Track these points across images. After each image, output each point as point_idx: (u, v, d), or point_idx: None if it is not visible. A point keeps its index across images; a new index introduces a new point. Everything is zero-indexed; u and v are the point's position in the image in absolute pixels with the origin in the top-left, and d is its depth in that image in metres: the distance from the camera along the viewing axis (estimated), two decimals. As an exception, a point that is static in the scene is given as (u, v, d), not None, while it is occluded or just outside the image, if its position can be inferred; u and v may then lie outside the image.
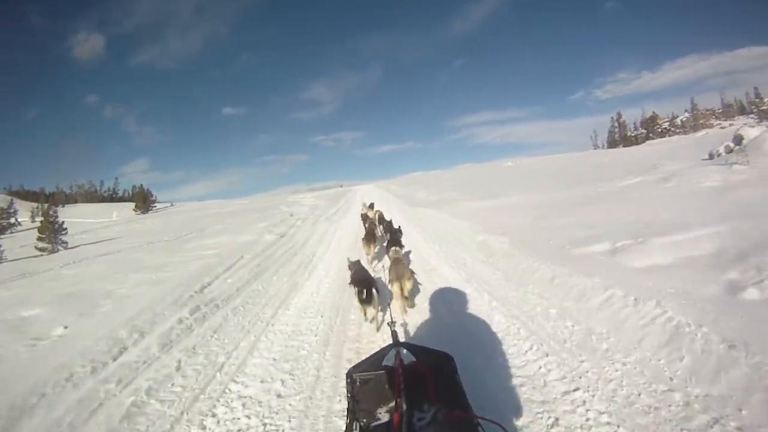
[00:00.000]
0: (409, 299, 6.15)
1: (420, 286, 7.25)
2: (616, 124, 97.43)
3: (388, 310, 4.88)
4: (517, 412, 3.69)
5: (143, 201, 74.92)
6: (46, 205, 78.97)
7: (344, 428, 2.44)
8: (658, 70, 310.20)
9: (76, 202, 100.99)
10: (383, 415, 2.40)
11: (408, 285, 5.89)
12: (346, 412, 2.60)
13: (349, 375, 2.68)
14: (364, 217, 14.77)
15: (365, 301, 5.58)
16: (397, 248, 7.61)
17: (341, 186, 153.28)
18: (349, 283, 6.37)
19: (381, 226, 12.56)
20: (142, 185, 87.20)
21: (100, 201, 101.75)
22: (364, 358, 2.95)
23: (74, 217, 71.72)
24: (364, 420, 2.38)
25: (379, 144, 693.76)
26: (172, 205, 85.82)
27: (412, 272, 6.26)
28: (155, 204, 79.80)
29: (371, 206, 17.25)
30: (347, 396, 2.62)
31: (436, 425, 2.07)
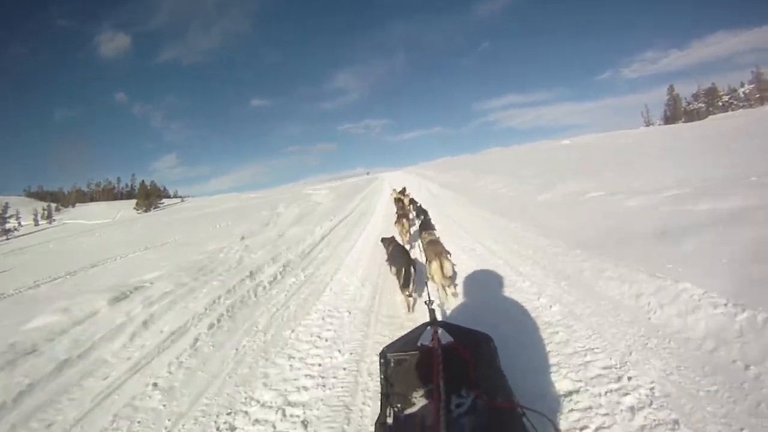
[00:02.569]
0: (451, 279, 5.50)
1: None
2: (669, 99, 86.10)
3: (426, 288, 4.42)
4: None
5: (145, 198, 69.45)
6: (53, 206, 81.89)
7: (378, 415, 2.16)
8: (686, 48, 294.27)
9: (92, 200, 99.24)
10: (418, 400, 2.24)
11: (447, 264, 5.32)
12: (380, 397, 2.30)
13: (382, 355, 2.47)
14: (396, 201, 14.35)
15: (404, 285, 5.23)
16: (432, 230, 7.17)
17: (367, 173, 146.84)
18: (386, 260, 6.13)
19: (412, 208, 12.28)
20: (143, 181, 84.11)
21: (118, 198, 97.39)
22: (398, 336, 2.74)
23: (80, 217, 70.92)
24: (398, 405, 2.22)
25: (406, 130, 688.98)
26: (182, 201, 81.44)
27: (449, 252, 5.63)
28: (162, 202, 74.63)
29: (402, 191, 16.36)
30: (380, 378, 2.39)
31: (476, 414, 1.97)
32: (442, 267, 5.32)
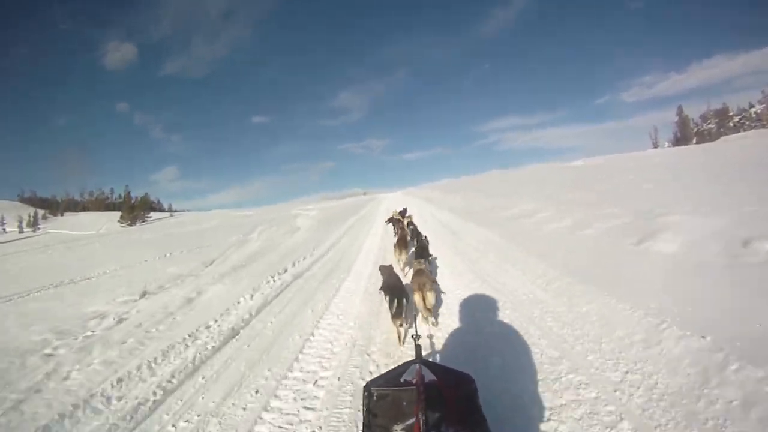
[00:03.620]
0: (432, 311, 5.60)
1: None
2: (678, 120, 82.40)
3: (414, 321, 4.76)
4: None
5: (129, 211, 65.17)
6: (41, 213, 79.47)
7: None
8: (684, 71, 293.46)
9: (84, 209, 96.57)
10: None
11: (429, 296, 5.42)
12: (362, 428, 2.41)
13: (366, 388, 2.49)
14: (394, 222, 13.67)
15: (397, 314, 5.11)
16: (421, 260, 6.88)
17: (364, 194, 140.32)
18: (380, 289, 5.91)
19: (410, 230, 11.57)
20: (129, 193, 79.02)
21: (111, 209, 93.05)
22: (383, 372, 2.93)
23: (66, 227, 67.14)
24: None
25: (406, 151, 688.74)
26: (171, 215, 76.73)
27: (434, 281, 5.92)
28: (149, 216, 70.31)
29: (402, 212, 15.18)
30: (363, 410, 2.44)
31: None
32: (424, 299, 5.38)
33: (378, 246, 13.10)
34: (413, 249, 9.31)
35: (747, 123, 73.80)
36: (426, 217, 18.67)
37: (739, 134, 65.64)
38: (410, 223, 12.52)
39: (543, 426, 3.39)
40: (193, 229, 32.13)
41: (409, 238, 10.87)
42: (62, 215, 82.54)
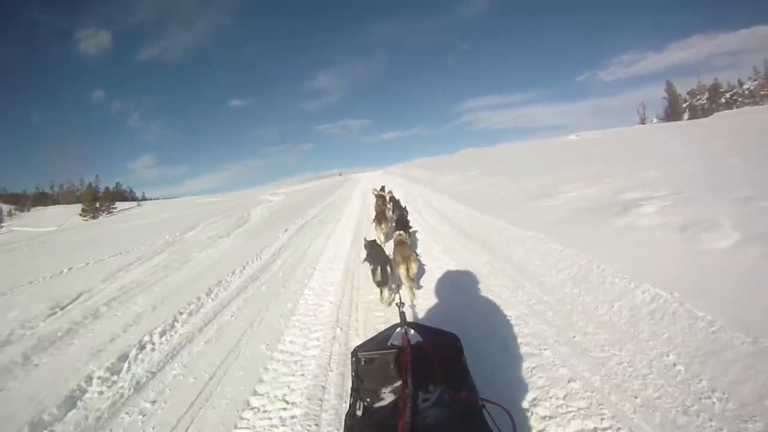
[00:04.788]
0: (415, 281, 5.74)
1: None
2: (665, 95, 79.19)
3: (398, 291, 4.96)
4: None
5: (91, 203, 58.86)
6: (6, 209, 73.09)
7: (347, 408, 2.26)
8: (663, 50, 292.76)
9: (56, 202, 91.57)
10: (387, 395, 2.24)
11: (413, 267, 5.55)
12: (350, 392, 2.37)
13: (354, 353, 2.51)
14: (377, 197, 13.85)
15: (381, 282, 5.42)
16: (402, 231, 7.18)
17: (340, 174, 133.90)
18: (364, 261, 6.18)
19: (391, 205, 11.65)
20: (90, 183, 72.70)
21: (82, 201, 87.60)
22: (370, 337, 2.81)
23: (32, 222, 57.93)
24: (368, 400, 2.25)
25: (385, 131, 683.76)
26: (139, 205, 69.95)
27: (416, 254, 5.92)
28: (115, 206, 63.32)
29: (382, 189, 15.50)
30: (351, 375, 2.44)
31: (441, 406, 1.97)
32: (408, 270, 5.51)
33: (350, 248, 8.83)
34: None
35: (740, 99, 71.49)
36: (422, 210, 13.14)
37: (732, 110, 62.98)
38: (392, 198, 12.56)
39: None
40: (136, 224, 26.53)
41: (390, 212, 10.86)
42: (29, 210, 75.64)
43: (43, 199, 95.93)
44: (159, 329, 5.34)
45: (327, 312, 5.49)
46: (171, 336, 5.27)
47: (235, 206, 27.91)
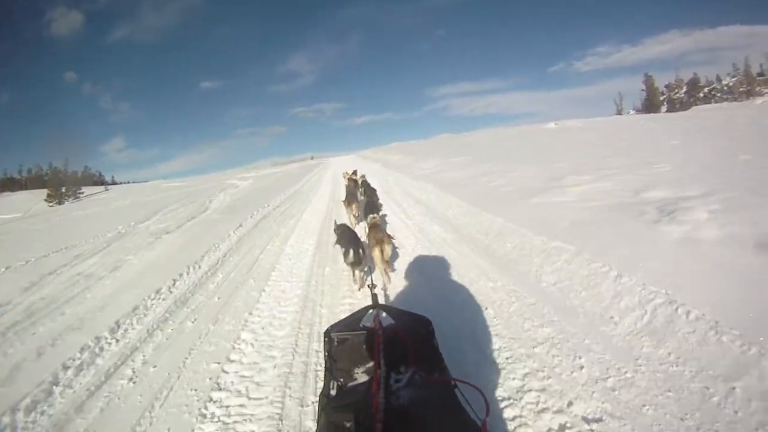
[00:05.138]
0: (389, 263, 5.64)
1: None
2: (643, 87, 78.57)
3: (370, 273, 4.51)
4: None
5: (57, 188, 55.01)
6: None
7: (322, 388, 2.27)
8: (639, 44, 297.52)
9: (24, 188, 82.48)
10: (360, 375, 2.26)
11: (387, 249, 5.46)
12: (323, 371, 2.41)
13: (326, 334, 2.51)
14: (349, 181, 13.36)
15: (354, 263, 5.29)
16: (375, 214, 6.91)
17: (311, 158, 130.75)
18: (335, 244, 6.07)
19: (362, 189, 11.28)
20: (56, 168, 67.22)
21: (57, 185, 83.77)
22: (342, 318, 2.82)
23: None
24: (342, 379, 2.26)
25: (358, 115, 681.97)
26: (106, 190, 66.01)
27: (390, 236, 5.77)
28: (81, 191, 59.67)
29: (354, 173, 14.73)
30: (324, 355, 2.47)
31: (413, 387, 1.98)
32: (382, 252, 5.41)
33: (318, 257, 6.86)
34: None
35: (718, 95, 71.23)
36: (403, 201, 11.42)
37: (711, 105, 62.71)
38: (364, 182, 12.41)
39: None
40: (97, 211, 24.91)
41: (361, 196, 10.53)
42: None
43: (11, 184, 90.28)
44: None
45: (269, 387, 3.48)
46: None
47: (200, 192, 25.96)
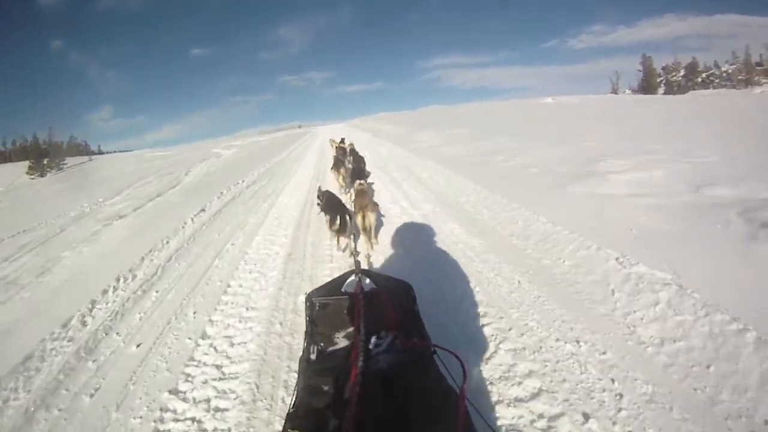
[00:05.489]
0: (372, 232, 5.35)
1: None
2: (643, 69, 76.99)
3: (354, 239, 4.75)
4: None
5: (38, 160, 51.95)
6: None
7: (302, 352, 2.24)
8: (634, 25, 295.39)
9: (9, 160, 78.61)
10: (341, 340, 2.19)
11: (370, 216, 5.23)
12: (304, 336, 2.33)
13: (308, 299, 2.48)
14: (337, 150, 12.85)
15: (339, 230, 5.21)
16: (362, 180, 6.76)
17: (299, 127, 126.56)
18: (320, 212, 5.94)
19: (350, 158, 11.17)
20: (37, 138, 65.18)
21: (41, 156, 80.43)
22: (324, 283, 2.72)
23: None
24: (322, 344, 2.20)
25: (347, 83, 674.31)
26: (90, 160, 62.42)
27: (376, 204, 5.60)
28: (65, 162, 56.94)
29: (342, 141, 14.38)
30: (306, 319, 2.42)
31: (392, 352, 1.96)
32: (364, 219, 5.22)
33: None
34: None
35: (717, 81, 69.83)
36: (403, 182, 9.32)
37: (709, 90, 61.38)
38: (352, 149, 12.12)
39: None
40: (71, 184, 23.31)
41: (349, 164, 10.33)
42: None
43: None
44: None
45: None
46: None
47: (182, 162, 24.25)
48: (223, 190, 10.57)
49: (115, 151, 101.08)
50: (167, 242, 6.52)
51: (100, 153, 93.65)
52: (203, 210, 8.55)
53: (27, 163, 54.45)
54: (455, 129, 17.67)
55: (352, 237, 5.14)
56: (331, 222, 5.24)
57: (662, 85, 73.19)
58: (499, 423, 2.40)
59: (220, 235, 6.78)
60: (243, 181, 12.06)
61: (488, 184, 7.34)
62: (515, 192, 6.56)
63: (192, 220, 7.79)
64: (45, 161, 53.53)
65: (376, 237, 5.54)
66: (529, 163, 8.78)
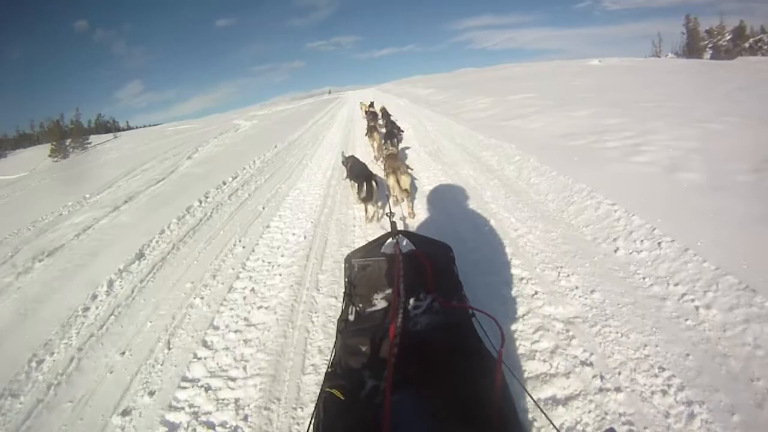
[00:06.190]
0: (408, 193, 5.11)
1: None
2: (686, 31, 70.58)
3: (387, 202, 4.35)
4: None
5: (60, 141, 48.45)
6: None
7: (340, 313, 2.20)
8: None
9: (39, 142, 73.98)
10: (379, 302, 2.15)
11: (404, 179, 4.99)
12: (343, 296, 2.28)
13: (347, 260, 2.45)
14: (368, 113, 12.93)
15: (366, 198, 4.95)
16: (392, 142, 6.83)
17: (329, 92, 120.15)
18: (345, 177, 5.77)
19: (383, 121, 11.02)
20: (58, 120, 60.17)
21: (68, 137, 78.77)
22: (362, 245, 2.67)
23: (6, 170, 47.65)
24: (360, 305, 2.17)
25: (377, 47, 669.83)
26: (115, 137, 58.71)
27: (408, 166, 5.33)
28: (89, 141, 53.70)
29: (371, 105, 14.74)
30: (345, 280, 2.39)
31: (431, 313, 1.92)
32: (398, 181, 5.03)
33: None
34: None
35: (765, 47, 63.40)
36: (487, 188, 5.81)
37: (758, 57, 55.31)
38: (384, 112, 11.93)
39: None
40: (84, 168, 20.48)
41: (383, 129, 9.62)
42: (5, 156, 65.10)
43: (24, 140, 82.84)
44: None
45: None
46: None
47: (197, 137, 21.77)
48: (209, 189, 7.95)
49: (144, 126, 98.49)
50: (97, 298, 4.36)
51: (129, 128, 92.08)
52: (179, 221, 6.39)
53: (45, 145, 52.25)
54: (516, 94, 13.71)
55: (381, 202, 4.98)
56: (359, 189, 4.93)
57: (707, 49, 67.00)
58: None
59: (177, 293, 4.38)
60: (245, 169, 9.48)
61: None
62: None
63: (151, 244, 5.61)
64: (68, 142, 50.85)
65: (411, 199, 5.23)
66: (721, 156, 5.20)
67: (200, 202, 7.11)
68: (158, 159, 15.30)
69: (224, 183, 8.36)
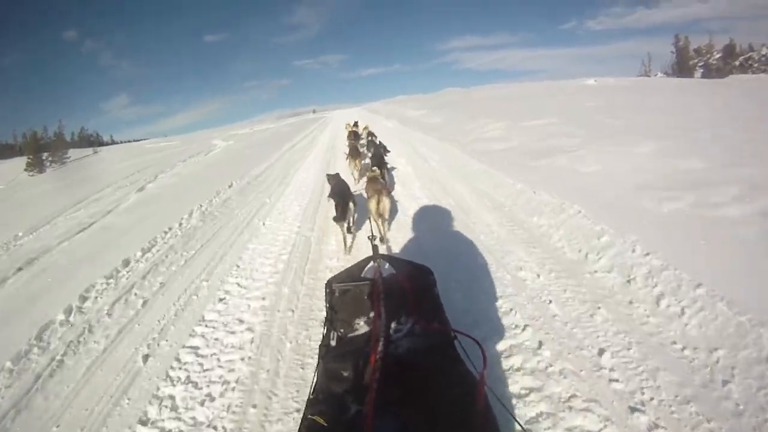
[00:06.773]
0: (387, 219, 5.02)
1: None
2: (676, 50, 69.48)
3: (370, 224, 4.19)
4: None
5: (37, 154, 46.70)
6: None
7: (322, 339, 2.11)
8: (654, 6, 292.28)
9: (21, 154, 68.57)
10: (361, 326, 2.09)
11: (385, 201, 4.84)
12: (324, 322, 2.20)
13: (328, 285, 2.37)
14: (350, 134, 12.31)
15: (339, 217, 4.74)
16: (375, 167, 6.34)
17: (313, 112, 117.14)
18: (328, 197, 5.52)
19: (367, 140, 10.75)
20: (35, 132, 58.18)
21: (46, 150, 76.78)
22: (344, 269, 2.57)
23: None
24: (342, 330, 2.11)
25: (363, 67, 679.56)
26: (95, 153, 56.93)
27: (389, 190, 5.34)
28: (68, 155, 51.78)
29: (355, 124, 14.14)
30: (326, 306, 2.32)
31: (412, 336, 1.88)
32: (378, 204, 4.87)
33: None
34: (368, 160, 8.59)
35: (755, 65, 61.79)
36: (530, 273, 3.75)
37: (748, 75, 54.01)
38: (369, 132, 11.56)
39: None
40: (47, 189, 19.37)
41: (365, 150, 9.75)
42: None
43: (6, 150, 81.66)
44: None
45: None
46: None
47: (168, 158, 21.01)
48: (97, 281, 4.83)
49: (128, 141, 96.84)
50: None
51: (113, 143, 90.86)
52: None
53: (23, 157, 49.71)
54: (533, 120, 10.98)
55: (354, 228, 4.95)
56: (336, 207, 4.79)
57: (697, 68, 65.99)
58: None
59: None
60: (168, 233, 6.56)
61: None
62: None
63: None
64: (45, 155, 48.81)
65: (389, 224, 5.14)
66: None
67: (60, 323, 3.89)
68: (116, 186, 13.60)
69: (126, 264, 5.08)
